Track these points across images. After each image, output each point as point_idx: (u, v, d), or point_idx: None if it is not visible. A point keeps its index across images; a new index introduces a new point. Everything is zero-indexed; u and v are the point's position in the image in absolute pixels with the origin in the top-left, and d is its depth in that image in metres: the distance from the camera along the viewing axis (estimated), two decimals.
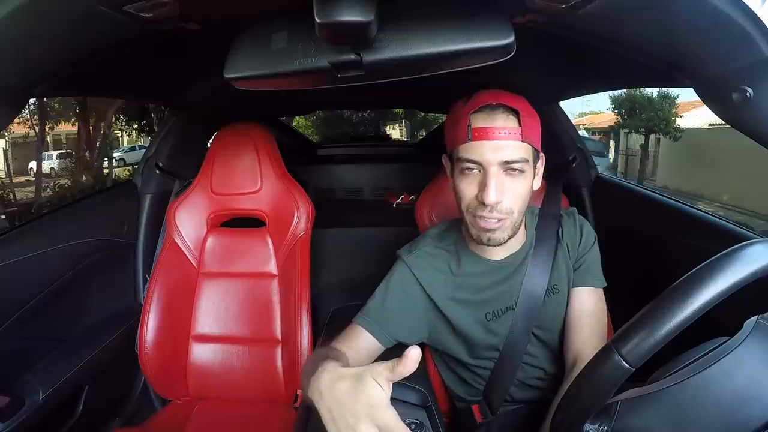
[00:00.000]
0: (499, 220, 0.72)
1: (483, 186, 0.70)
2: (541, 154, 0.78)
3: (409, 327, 0.83)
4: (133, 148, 11.43)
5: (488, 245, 0.76)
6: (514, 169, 0.71)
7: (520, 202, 0.73)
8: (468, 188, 0.73)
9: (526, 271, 0.82)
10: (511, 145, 0.70)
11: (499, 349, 0.84)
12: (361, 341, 0.80)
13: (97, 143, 7.30)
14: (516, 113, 0.71)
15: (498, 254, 0.83)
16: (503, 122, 0.70)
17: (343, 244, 1.73)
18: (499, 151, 0.70)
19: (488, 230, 0.73)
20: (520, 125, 0.70)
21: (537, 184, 0.78)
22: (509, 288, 0.83)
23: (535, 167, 0.75)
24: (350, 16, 0.49)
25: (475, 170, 0.72)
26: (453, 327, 0.84)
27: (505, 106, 0.71)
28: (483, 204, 0.70)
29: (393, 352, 0.82)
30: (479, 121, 0.71)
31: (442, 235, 0.88)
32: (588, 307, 0.83)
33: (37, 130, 7.72)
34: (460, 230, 0.86)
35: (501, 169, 0.70)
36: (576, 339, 0.81)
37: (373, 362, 0.51)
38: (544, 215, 0.88)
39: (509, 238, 0.76)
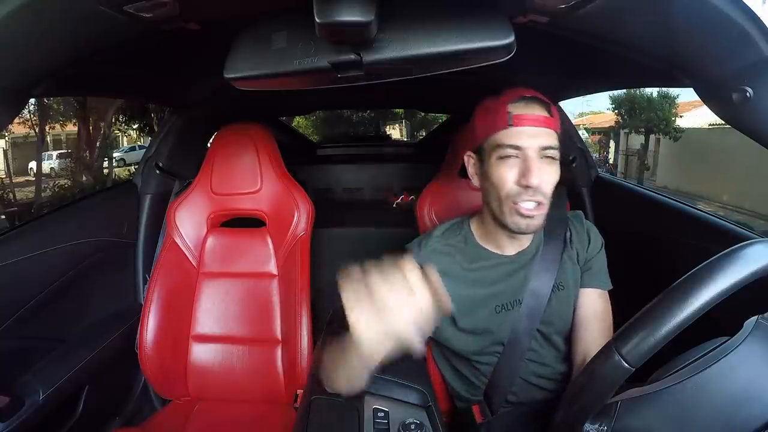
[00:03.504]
0: (539, 204, 0.75)
1: (526, 170, 0.73)
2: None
3: None
4: (133, 148, 11.44)
5: (525, 233, 0.79)
6: (548, 156, 0.75)
7: (551, 187, 0.77)
8: (508, 174, 0.75)
9: (534, 268, 0.84)
10: (546, 132, 0.75)
11: (504, 344, 0.85)
12: None
13: (97, 143, 7.31)
14: (548, 105, 0.76)
15: (509, 250, 0.85)
16: (540, 111, 0.75)
17: (343, 244, 1.73)
18: (538, 137, 0.74)
19: (528, 216, 0.75)
20: (551, 115, 0.76)
21: (558, 177, 0.81)
22: (517, 283, 0.84)
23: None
24: (350, 16, 0.49)
25: (513, 156, 0.74)
26: (461, 321, 0.84)
27: (539, 98, 0.76)
28: (526, 188, 0.73)
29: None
30: (518, 109, 0.75)
31: (449, 233, 0.88)
32: (596, 308, 0.85)
33: (37, 130, 7.72)
34: (468, 227, 0.87)
35: (538, 154, 0.74)
36: (585, 339, 0.83)
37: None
38: (551, 216, 0.89)
39: (542, 225, 0.79)
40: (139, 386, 1.28)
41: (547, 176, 0.75)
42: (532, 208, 0.75)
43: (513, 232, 0.79)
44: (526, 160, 0.74)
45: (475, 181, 0.81)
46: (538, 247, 0.85)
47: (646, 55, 0.65)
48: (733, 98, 0.57)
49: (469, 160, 0.82)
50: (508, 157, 0.74)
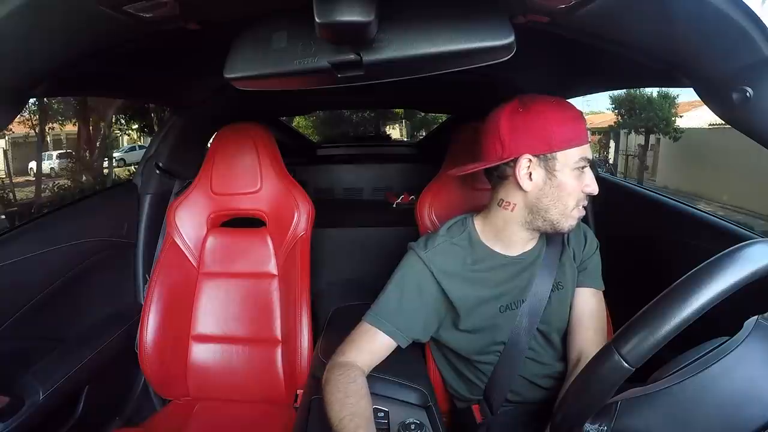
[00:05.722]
0: None
1: (593, 180, 0.79)
2: None
3: (424, 325, 0.85)
4: (133, 148, 11.42)
5: (569, 231, 0.83)
6: None
7: None
8: (580, 184, 0.79)
9: (537, 269, 0.85)
10: None
11: (505, 343, 0.86)
12: (376, 343, 0.81)
13: (97, 143, 7.30)
14: None
15: (514, 250, 0.85)
16: None
17: (343, 244, 1.73)
18: None
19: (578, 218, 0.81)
20: None
21: None
22: (522, 284, 0.85)
23: None
24: (350, 16, 0.49)
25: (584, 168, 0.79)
26: (465, 320, 0.84)
27: None
28: (589, 195, 0.80)
29: (399, 348, 0.83)
30: (584, 125, 0.79)
31: (454, 230, 0.88)
32: (590, 307, 0.88)
33: (37, 130, 7.72)
34: (471, 225, 0.87)
35: None
36: (580, 337, 0.85)
37: None
38: None
39: None
40: (139, 386, 1.28)
41: None
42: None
43: (560, 233, 0.82)
44: (588, 171, 0.79)
45: (526, 184, 0.77)
46: (541, 249, 0.86)
47: (646, 55, 0.65)
48: (733, 98, 0.57)
49: (526, 163, 0.77)
50: (583, 168, 0.78)
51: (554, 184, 0.77)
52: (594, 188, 0.78)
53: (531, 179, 0.77)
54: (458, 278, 0.83)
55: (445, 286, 0.83)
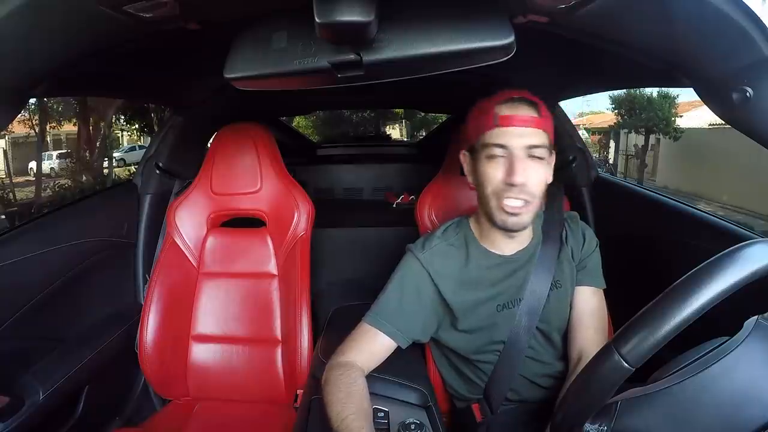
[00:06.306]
0: (526, 202, 0.76)
1: (510, 169, 0.75)
2: (553, 150, 0.82)
3: (423, 326, 0.85)
4: (133, 148, 11.43)
5: (512, 230, 0.80)
6: (535, 156, 0.76)
7: (541, 187, 0.78)
8: (494, 172, 0.76)
9: (533, 267, 0.85)
10: (533, 132, 0.76)
11: (504, 342, 0.85)
12: (376, 344, 0.81)
13: (97, 143, 7.30)
14: (536, 105, 0.78)
15: (508, 249, 0.85)
16: (527, 111, 0.76)
17: (343, 244, 1.73)
18: (524, 137, 0.75)
19: (513, 214, 0.77)
20: (540, 116, 0.77)
21: (549, 177, 0.82)
22: (518, 283, 0.85)
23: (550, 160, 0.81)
24: (350, 16, 0.49)
25: (500, 155, 0.76)
26: (463, 321, 0.84)
27: (527, 99, 0.78)
28: (510, 186, 0.75)
29: (399, 348, 0.83)
30: (505, 110, 0.76)
31: (450, 233, 0.89)
32: (590, 306, 0.87)
33: (37, 130, 7.72)
34: (466, 226, 0.88)
35: (525, 153, 0.75)
36: (580, 336, 0.85)
37: None
38: (549, 216, 0.90)
39: (530, 223, 0.81)
40: (139, 386, 1.28)
41: (533, 175, 0.76)
42: (519, 206, 0.76)
43: (501, 229, 0.81)
44: (511, 158, 0.75)
45: (470, 179, 0.84)
46: (536, 247, 0.86)
47: (646, 55, 0.65)
48: (733, 98, 0.57)
49: (465, 159, 0.85)
50: (495, 156, 0.76)
51: (476, 176, 0.80)
52: (512, 178, 0.74)
53: (470, 173, 0.82)
54: (455, 279, 0.84)
55: (442, 288, 0.83)
